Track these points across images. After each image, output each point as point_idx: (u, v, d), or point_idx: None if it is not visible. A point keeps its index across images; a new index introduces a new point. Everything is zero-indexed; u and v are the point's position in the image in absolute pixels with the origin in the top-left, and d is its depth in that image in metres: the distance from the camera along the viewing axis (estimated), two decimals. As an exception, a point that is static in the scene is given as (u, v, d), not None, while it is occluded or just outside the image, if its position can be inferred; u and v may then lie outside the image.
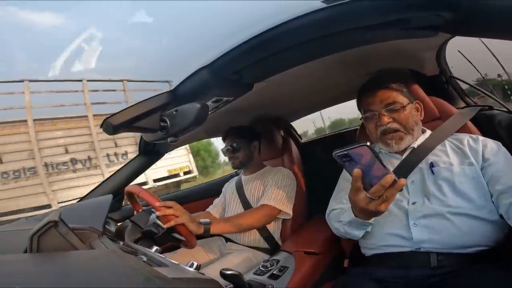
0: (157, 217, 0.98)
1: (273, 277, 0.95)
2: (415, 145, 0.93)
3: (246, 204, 1.39)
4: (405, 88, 0.96)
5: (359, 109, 1.03)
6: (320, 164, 1.62)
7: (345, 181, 1.05)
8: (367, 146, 0.62)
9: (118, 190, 1.42)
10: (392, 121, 0.91)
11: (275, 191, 1.27)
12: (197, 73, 0.89)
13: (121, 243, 0.67)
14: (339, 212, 0.92)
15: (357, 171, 0.65)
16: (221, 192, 1.60)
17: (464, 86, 1.29)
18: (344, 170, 1.07)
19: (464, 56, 1.17)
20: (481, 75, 1.19)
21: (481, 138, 0.88)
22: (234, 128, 1.47)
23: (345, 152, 0.64)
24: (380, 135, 0.94)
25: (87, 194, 1.41)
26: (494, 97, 1.17)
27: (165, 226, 0.96)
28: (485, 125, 1.03)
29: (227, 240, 1.40)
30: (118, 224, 1.02)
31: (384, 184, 0.64)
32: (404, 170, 0.89)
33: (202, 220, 1.06)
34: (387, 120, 0.91)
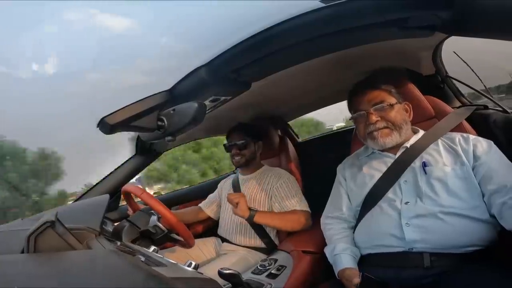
0: (158, 219, 0.98)
1: (271, 276, 0.95)
2: (408, 144, 0.93)
3: None
4: (393, 89, 0.98)
5: (350, 110, 1.05)
6: (317, 163, 1.62)
7: (338, 184, 1.07)
8: None
9: (115, 189, 1.41)
10: (380, 119, 0.93)
11: (295, 199, 1.27)
12: (195, 72, 0.89)
13: (119, 243, 0.67)
14: (336, 239, 0.97)
15: None
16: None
17: (460, 86, 1.30)
18: (338, 174, 1.10)
19: (459, 57, 1.17)
20: (477, 75, 1.20)
21: (472, 137, 0.88)
22: (244, 125, 1.44)
23: None
24: (368, 133, 0.95)
25: (83, 194, 1.40)
26: (489, 96, 1.17)
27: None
28: (481, 124, 1.04)
29: (223, 240, 1.40)
30: (116, 224, 1.01)
31: None
32: (397, 169, 0.90)
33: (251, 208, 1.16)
34: (375, 119, 0.93)
